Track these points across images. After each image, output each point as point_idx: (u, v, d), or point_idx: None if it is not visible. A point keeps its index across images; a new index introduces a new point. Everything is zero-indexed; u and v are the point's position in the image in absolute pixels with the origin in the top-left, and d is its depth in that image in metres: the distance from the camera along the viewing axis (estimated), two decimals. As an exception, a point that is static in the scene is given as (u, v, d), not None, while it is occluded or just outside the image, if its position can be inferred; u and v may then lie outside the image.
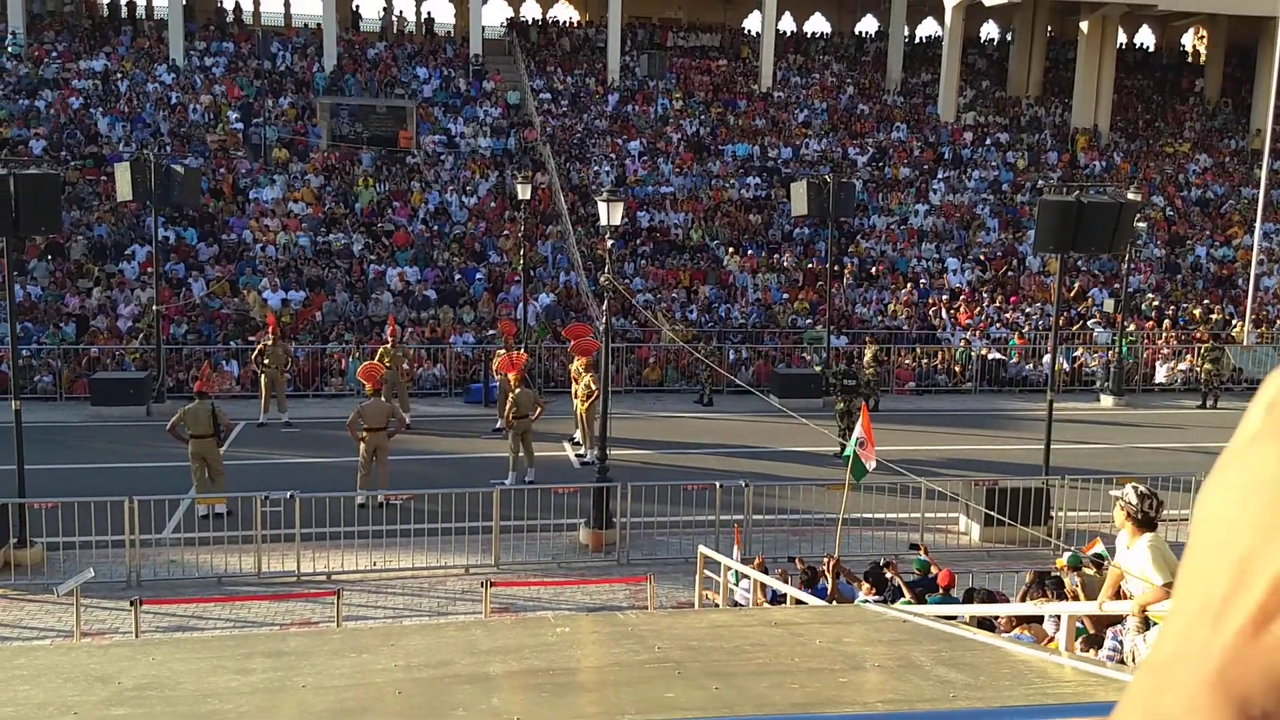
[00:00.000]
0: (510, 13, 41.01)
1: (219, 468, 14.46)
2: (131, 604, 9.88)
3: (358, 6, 39.18)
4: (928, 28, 42.99)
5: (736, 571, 10.66)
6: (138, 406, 19.70)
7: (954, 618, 7.44)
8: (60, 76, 30.84)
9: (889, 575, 10.21)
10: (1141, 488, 6.47)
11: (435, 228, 27.50)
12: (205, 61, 32.91)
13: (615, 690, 4.29)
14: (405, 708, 3.98)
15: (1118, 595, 6.90)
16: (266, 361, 19.40)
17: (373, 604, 11.97)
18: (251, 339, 21.65)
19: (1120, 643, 6.73)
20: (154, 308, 20.82)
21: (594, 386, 17.33)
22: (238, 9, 37.70)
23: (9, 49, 31.38)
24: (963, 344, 24.85)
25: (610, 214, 15.23)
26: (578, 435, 18.39)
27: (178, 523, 13.84)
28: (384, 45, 35.82)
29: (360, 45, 35.49)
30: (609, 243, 15.45)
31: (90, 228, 25.48)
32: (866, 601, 9.66)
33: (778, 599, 10.05)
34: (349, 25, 37.26)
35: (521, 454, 16.28)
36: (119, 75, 31.35)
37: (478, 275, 25.73)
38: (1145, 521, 6.34)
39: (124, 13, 36.34)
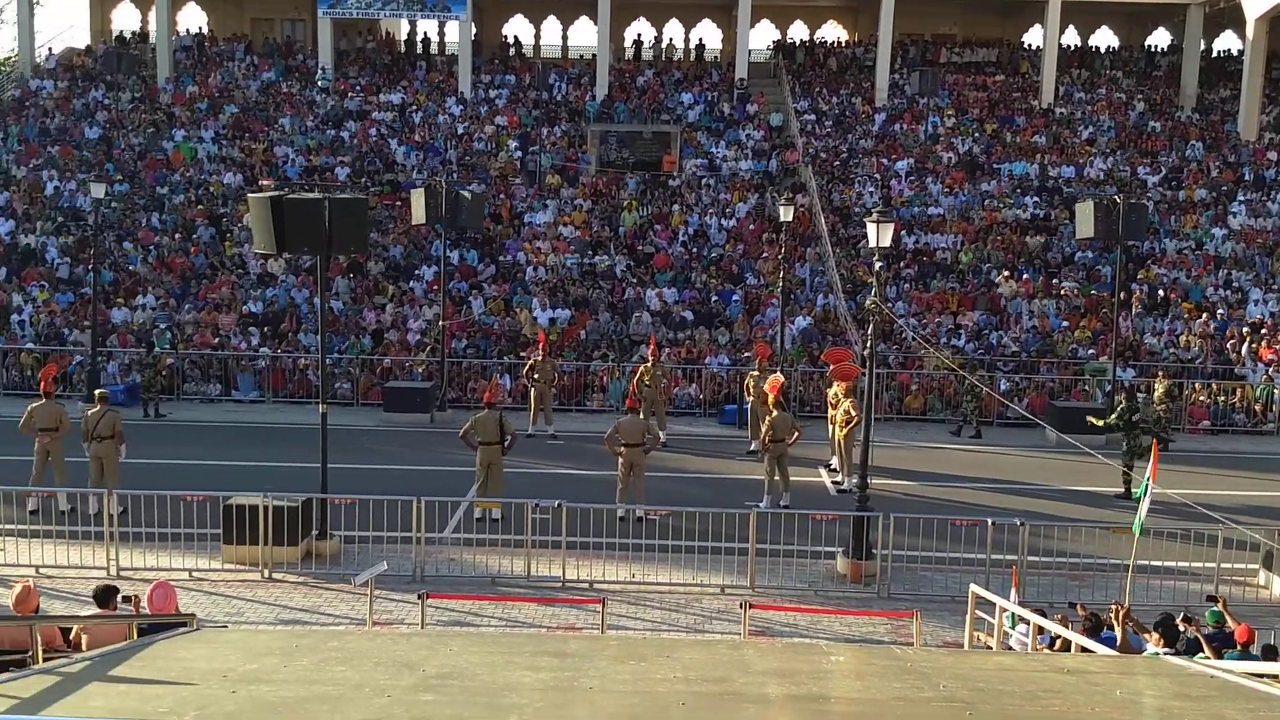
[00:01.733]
0: (777, 35, 41.17)
1: (500, 475, 15.32)
2: (419, 597, 10.57)
3: (639, 35, 40.54)
4: (1226, 41, 39.52)
5: (1013, 615, 10.08)
6: (423, 414, 21.21)
7: (1266, 675, 6.71)
8: (362, 109, 33.81)
9: (1184, 628, 9.37)
10: None
11: (694, 250, 27.96)
12: (489, 94, 35.10)
13: (903, 725, 4.14)
14: (691, 721, 4.00)
15: None
16: (537, 376, 20.41)
17: (632, 614, 12.23)
18: (523, 354, 22.81)
19: None
20: (439, 323, 22.34)
21: (854, 412, 17.00)
22: (517, 43, 40.03)
23: (319, 83, 34.76)
24: (1264, 381, 22.55)
25: (880, 235, 14.90)
26: (834, 462, 18.09)
27: (457, 523, 14.74)
28: (652, 72, 36.92)
29: (629, 73, 36.75)
30: (876, 265, 15.10)
31: (386, 248, 27.72)
32: (1158, 654, 8.91)
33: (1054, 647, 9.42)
34: (622, 55, 38.65)
35: (777, 478, 16.20)
36: (414, 107, 34.00)
37: (734, 297, 25.91)
38: None
39: (419, 48, 39.44)
